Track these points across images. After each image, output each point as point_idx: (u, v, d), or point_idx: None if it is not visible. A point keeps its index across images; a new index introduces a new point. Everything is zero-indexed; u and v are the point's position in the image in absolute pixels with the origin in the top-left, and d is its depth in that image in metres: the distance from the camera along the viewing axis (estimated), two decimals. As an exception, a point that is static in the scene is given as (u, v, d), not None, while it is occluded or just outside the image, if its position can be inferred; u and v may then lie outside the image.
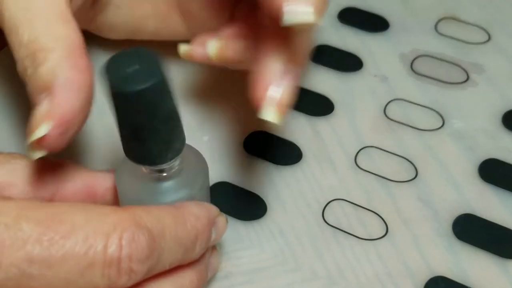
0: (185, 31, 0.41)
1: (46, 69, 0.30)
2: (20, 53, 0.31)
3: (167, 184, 0.31)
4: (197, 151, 0.33)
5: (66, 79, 0.29)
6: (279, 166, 0.40)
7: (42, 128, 0.29)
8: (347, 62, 0.46)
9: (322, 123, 0.42)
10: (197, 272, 0.32)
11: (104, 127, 0.41)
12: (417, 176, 0.40)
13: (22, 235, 0.27)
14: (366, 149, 0.41)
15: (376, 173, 0.40)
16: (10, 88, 0.44)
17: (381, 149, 0.41)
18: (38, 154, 0.29)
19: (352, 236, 0.37)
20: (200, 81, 0.45)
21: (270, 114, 0.31)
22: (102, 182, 0.34)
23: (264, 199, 0.39)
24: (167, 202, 0.31)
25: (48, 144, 0.29)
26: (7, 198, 0.29)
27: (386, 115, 0.43)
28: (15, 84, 0.44)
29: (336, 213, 0.38)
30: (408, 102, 0.43)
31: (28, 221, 0.27)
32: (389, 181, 0.39)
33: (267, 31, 0.32)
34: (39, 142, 0.29)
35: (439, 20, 0.48)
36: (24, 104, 0.43)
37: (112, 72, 0.28)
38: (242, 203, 0.39)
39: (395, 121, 0.42)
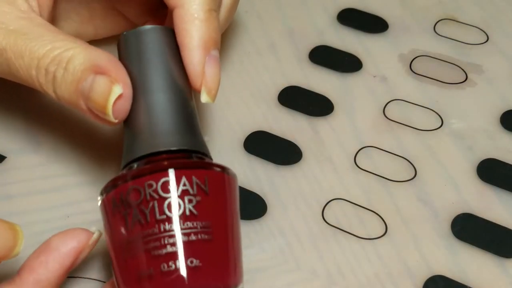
0: (124, 25, 0.43)
1: (79, 60, 0.32)
2: (39, 66, 0.33)
3: None
4: None
5: (108, 58, 0.32)
6: (279, 166, 0.40)
7: (115, 89, 0.31)
8: (346, 63, 0.46)
9: (322, 123, 0.42)
10: None
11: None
12: (416, 176, 0.40)
13: None
14: (366, 149, 0.41)
15: (376, 173, 0.40)
16: (12, 87, 0.44)
17: (380, 149, 0.41)
18: (112, 119, 0.32)
19: (351, 236, 0.37)
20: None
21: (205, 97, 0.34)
22: None
23: (264, 199, 0.39)
24: None
25: (123, 106, 0.32)
26: None
27: (385, 115, 0.43)
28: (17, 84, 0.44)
29: (335, 213, 0.38)
30: (407, 102, 0.43)
31: None
32: (388, 180, 0.40)
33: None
34: (115, 104, 0.31)
35: (438, 21, 0.48)
36: (23, 106, 0.43)
37: None
38: (242, 203, 0.39)
39: (394, 121, 0.43)
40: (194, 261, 0.29)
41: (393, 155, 0.41)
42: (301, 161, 0.41)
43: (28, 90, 0.44)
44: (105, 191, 0.31)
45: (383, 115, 0.43)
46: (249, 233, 0.37)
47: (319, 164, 0.40)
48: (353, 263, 0.36)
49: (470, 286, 0.35)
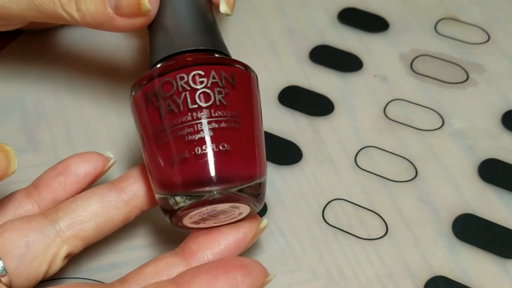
0: None
1: None
2: None
3: None
4: None
5: None
6: (279, 166, 0.40)
7: None
8: (347, 62, 0.46)
9: (322, 123, 0.42)
10: None
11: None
12: (417, 176, 0.40)
13: None
14: (366, 149, 0.41)
15: (376, 173, 0.40)
16: (10, 88, 0.44)
17: (381, 149, 0.41)
18: (148, 7, 0.34)
19: (352, 236, 0.37)
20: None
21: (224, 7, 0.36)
22: None
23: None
24: None
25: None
26: None
27: (386, 115, 0.43)
28: (16, 84, 0.44)
29: (336, 213, 0.38)
30: (408, 102, 0.43)
31: None
32: (389, 181, 0.39)
33: None
34: None
35: (439, 20, 0.48)
36: (23, 106, 0.43)
37: None
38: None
39: (395, 121, 0.42)
40: (226, 145, 0.31)
41: (394, 155, 0.41)
42: (301, 161, 0.40)
43: (27, 89, 0.44)
44: (138, 86, 0.33)
45: (383, 115, 0.43)
46: (249, 234, 0.37)
47: (319, 164, 0.40)
48: (353, 263, 0.36)
49: (471, 287, 0.35)
